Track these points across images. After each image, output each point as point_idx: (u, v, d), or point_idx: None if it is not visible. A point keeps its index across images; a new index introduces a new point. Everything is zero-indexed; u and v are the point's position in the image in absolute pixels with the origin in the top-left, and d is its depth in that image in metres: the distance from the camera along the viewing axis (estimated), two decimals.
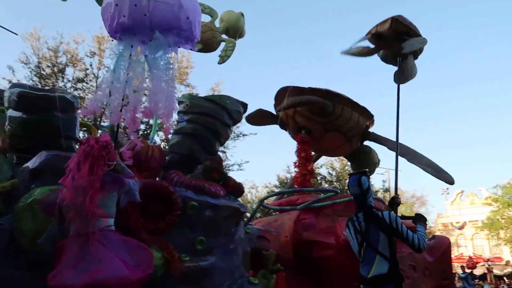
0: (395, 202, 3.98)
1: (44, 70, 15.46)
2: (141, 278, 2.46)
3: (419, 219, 3.64)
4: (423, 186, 60.40)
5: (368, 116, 7.43)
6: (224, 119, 4.08)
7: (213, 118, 4.01)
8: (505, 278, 28.31)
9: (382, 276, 3.21)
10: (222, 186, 3.89)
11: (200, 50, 5.82)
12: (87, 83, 16.65)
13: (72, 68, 16.66)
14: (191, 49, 3.62)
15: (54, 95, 3.43)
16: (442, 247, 6.17)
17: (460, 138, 59.62)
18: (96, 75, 16.62)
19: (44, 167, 3.07)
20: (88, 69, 16.49)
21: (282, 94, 7.15)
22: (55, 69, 15.55)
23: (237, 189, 4.06)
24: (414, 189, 44.03)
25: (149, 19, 3.21)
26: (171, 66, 3.42)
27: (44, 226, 2.69)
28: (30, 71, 15.22)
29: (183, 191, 3.44)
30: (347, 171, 27.12)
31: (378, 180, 27.35)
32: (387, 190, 26.28)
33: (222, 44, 6.49)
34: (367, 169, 3.79)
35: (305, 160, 6.84)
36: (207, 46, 6.17)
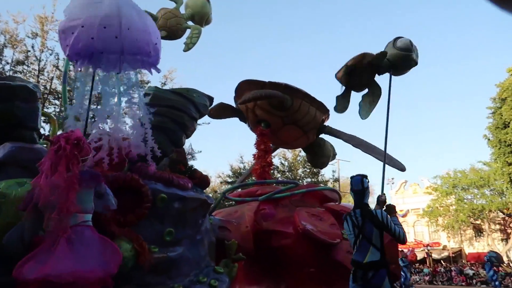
0: (380, 200, 4.64)
1: None
2: (100, 278, 2.48)
3: (390, 210, 4.28)
4: (370, 176, 63.28)
5: (324, 111, 7.73)
6: (191, 113, 4.13)
7: (181, 111, 4.05)
8: (442, 262, 30.72)
9: (376, 262, 3.87)
10: (189, 179, 3.96)
11: (164, 38, 5.73)
12: (28, 66, 15.65)
13: (11, 49, 15.58)
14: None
15: (16, 84, 3.30)
16: None
17: (404, 130, 63.10)
18: (38, 57, 15.67)
19: (8, 159, 2.98)
20: (29, 51, 15.50)
21: (243, 87, 7.26)
22: None
23: (203, 181, 4.14)
24: None
25: (121, 42, 3.16)
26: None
27: (10, 220, 2.64)
28: None
29: (153, 183, 3.47)
30: (299, 161, 27.95)
31: (328, 171, 28.38)
32: (336, 180, 27.37)
33: (188, 32, 6.38)
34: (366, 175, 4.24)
35: (264, 152, 7.02)
36: (171, 33, 6.06)
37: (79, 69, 3.43)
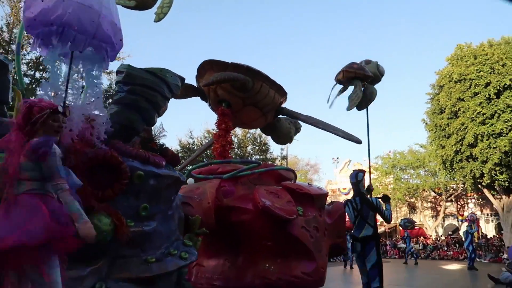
0: (370, 189, 6.50)
1: None
2: (12, 246, 2.42)
3: (386, 199, 6.25)
4: (316, 155, 65.70)
5: (282, 93, 8.06)
6: (164, 92, 4.23)
7: (154, 91, 4.14)
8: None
9: (368, 236, 5.74)
10: (161, 157, 4.11)
11: (134, 8, 5.60)
12: None
13: None
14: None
15: None
16: (338, 211, 7.19)
17: (350, 112, 65.65)
18: (9, 26, 14.51)
19: None
20: None
21: (205, 67, 7.36)
22: None
23: (174, 159, 4.31)
24: (309, 157, 47.92)
25: (95, 27, 3.22)
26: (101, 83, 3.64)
27: None
28: None
29: (130, 161, 3.60)
30: (248, 139, 28.45)
31: (277, 148, 29.33)
32: (284, 157, 28.28)
33: (159, 2, 6.06)
34: (364, 170, 6.31)
35: (225, 132, 7.24)
36: (141, 3, 5.77)
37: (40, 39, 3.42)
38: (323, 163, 78.01)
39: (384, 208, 6.03)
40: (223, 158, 7.06)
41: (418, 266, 19.11)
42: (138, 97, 4.08)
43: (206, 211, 5.81)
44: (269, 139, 24.07)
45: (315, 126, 7.91)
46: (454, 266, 18.66)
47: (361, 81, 7.12)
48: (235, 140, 27.19)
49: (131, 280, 3.55)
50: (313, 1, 77.49)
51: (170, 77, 4.31)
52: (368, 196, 6.35)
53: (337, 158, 41.90)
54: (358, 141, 7.45)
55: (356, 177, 6.17)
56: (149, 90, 4.13)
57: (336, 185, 40.09)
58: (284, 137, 8.84)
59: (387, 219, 5.87)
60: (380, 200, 6.33)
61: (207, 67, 7.31)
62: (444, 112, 23.29)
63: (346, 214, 6.57)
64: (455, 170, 23.40)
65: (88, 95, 3.65)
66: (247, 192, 6.52)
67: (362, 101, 7.10)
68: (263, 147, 25.59)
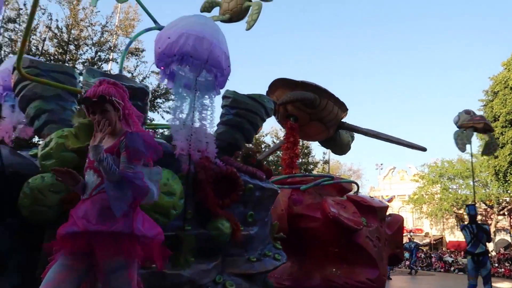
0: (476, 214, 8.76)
1: None
2: None
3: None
4: (359, 161, 64.89)
5: (344, 109, 8.63)
6: (262, 115, 4.92)
7: (255, 114, 4.83)
8: (423, 248, 32.20)
9: (482, 252, 7.75)
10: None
11: (229, 21, 6.15)
12: (19, 24, 15.72)
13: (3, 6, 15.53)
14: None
15: (137, 87, 4.03)
16: (398, 223, 7.68)
17: (396, 117, 64.87)
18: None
19: None
20: (21, 9, 15.55)
21: (276, 84, 8.05)
22: None
23: (268, 172, 4.98)
24: (351, 162, 47.59)
25: (207, 54, 3.88)
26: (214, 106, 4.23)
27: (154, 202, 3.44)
28: None
29: (242, 175, 4.30)
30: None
31: (319, 152, 29.34)
32: (326, 162, 28.41)
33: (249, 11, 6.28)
34: (475, 203, 7.59)
35: (292, 144, 7.89)
36: (234, 15, 6.21)
37: (161, 67, 4.15)
38: (366, 168, 76.92)
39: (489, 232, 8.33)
40: (291, 168, 7.69)
41: (463, 282, 18.77)
42: (242, 119, 4.78)
43: (280, 217, 6.47)
44: (310, 143, 24.40)
45: (377, 138, 8.43)
46: (505, 285, 18.10)
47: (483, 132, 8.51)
48: (277, 141, 27.76)
49: (238, 275, 4.24)
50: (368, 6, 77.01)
51: (267, 101, 4.99)
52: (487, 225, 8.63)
53: (381, 164, 41.16)
54: (423, 149, 7.94)
55: (475, 210, 8.39)
56: (251, 113, 4.83)
57: (379, 192, 39.31)
58: (344, 148, 9.40)
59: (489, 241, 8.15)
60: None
61: (278, 84, 7.99)
62: (498, 120, 21.79)
63: (463, 235, 8.33)
64: (509, 182, 22.10)
65: (201, 117, 4.31)
66: (313, 201, 7.14)
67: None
68: (305, 151, 25.99)
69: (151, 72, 18.85)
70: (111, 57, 19.34)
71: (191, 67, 3.84)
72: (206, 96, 4.20)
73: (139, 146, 2.28)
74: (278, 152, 21.13)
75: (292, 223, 6.74)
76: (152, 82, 18.49)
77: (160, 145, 3.78)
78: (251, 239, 4.46)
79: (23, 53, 4.39)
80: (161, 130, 6.93)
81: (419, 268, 24.00)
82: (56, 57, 17.78)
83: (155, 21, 6.30)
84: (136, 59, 18.49)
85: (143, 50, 18.45)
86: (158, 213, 3.50)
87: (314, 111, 7.98)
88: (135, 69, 18.38)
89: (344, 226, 6.38)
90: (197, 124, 4.06)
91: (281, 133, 27.61)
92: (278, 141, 27.76)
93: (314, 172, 25.01)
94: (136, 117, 2.58)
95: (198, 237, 3.84)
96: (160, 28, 6.30)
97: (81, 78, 4.96)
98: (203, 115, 4.11)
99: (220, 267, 4.09)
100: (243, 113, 4.79)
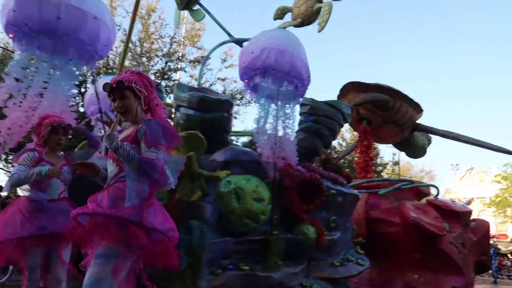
0: None
1: None
2: None
3: None
4: (432, 161, 61.24)
5: (419, 111, 8.34)
6: (340, 121, 4.98)
7: (333, 120, 4.90)
8: (508, 255, 29.35)
9: None
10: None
11: (300, 25, 6.28)
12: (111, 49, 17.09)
13: None
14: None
15: (224, 99, 4.29)
16: (483, 228, 7.25)
17: (474, 115, 60.83)
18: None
19: (233, 160, 3.96)
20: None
21: (348, 87, 8.01)
22: None
23: (348, 177, 5.01)
24: (423, 163, 45.10)
25: (289, 66, 4.02)
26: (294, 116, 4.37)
27: (247, 207, 3.65)
28: None
29: (324, 181, 4.39)
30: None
31: (388, 153, 27.97)
32: (396, 163, 27.23)
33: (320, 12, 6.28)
34: None
35: (366, 148, 7.80)
36: (305, 18, 6.29)
37: (245, 80, 4.36)
38: (440, 169, 72.47)
39: None
40: (366, 172, 7.60)
41: None
42: (321, 126, 4.88)
43: (358, 222, 6.41)
44: (377, 144, 23.64)
45: (456, 140, 8.05)
46: None
47: None
48: (343, 143, 27.24)
49: (323, 279, 4.32)
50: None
51: (344, 107, 5.03)
52: None
53: (457, 164, 38.47)
54: (508, 152, 7.44)
55: None
56: (329, 119, 4.90)
57: (455, 194, 36.58)
58: (418, 151, 9.08)
59: None
60: None
61: (349, 88, 7.95)
62: None
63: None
64: None
65: (284, 126, 4.49)
66: (391, 206, 6.97)
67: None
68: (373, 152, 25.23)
69: (217, 79, 19.55)
70: (179, 66, 20.33)
71: (274, 79, 4.02)
72: (288, 106, 4.36)
73: (157, 133, 2.20)
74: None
75: (370, 227, 6.65)
76: (217, 89, 19.13)
77: (245, 153, 4.01)
78: (334, 244, 4.53)
79: (121, 72, 4.86)
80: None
81: (505, 277, 22.16)
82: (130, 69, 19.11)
83: (229, 34, 6.61)
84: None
85: (209, 58, 19.19)
86: (249, 218, 3.71)
87: (387, 113, 7.82)
88: (202, 77, 19.18)
89: (426, 231, 6.17)
90: (280, 133, 4.23)
91: (347, 134, 27.08)
92: (344, 144, 27.33)
93: (384, 174, 24.19)
94: (162, 110, 2.48)
95: (285, 241, 4.00)
96: (234, 40, 6.62)
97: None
98: (285, 124, 4.27)
99: (306, 271, 4.20)
100: (322, 119, 4.88)
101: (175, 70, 20.11)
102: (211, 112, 4.23)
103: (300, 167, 4.38)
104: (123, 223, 2.08)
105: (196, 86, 5.14)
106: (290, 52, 4.02)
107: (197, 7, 6.53)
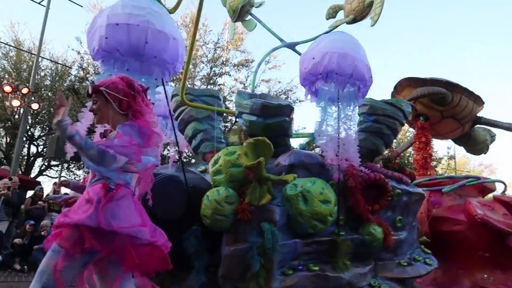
0: None
1: None
2: None
3: None
4: (492, 154, 57.76)
5: (480, 103, 8.00)
6: (401, 119, 4.92)
7: (394, 119, 4.86)
8: None
9: None
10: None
11: (353, 22, 6.22)
12: None
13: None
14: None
15: (285, 104, 4.41)
16: None
17: None
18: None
19: (297, 163, 4.07)
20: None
21: (403, 84, 7.85)
22: None
23: (411, 176, 4.95)
24: (482, 157, 42.57)
25: (352, 69, 4.04)
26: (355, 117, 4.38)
27: (314, 209, 3.75)
28: None
29: (389, 180, 4.38)
30: (408, 137, 27.22)
31: (442, 147, 26.71)
32: (452, 157, 26.05)
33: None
34: None
35: (425, 144, 7.61)
36: (357, 14, 6.17)
37: (306, 84, 4.43)
38: (500, 162, 68.12)
39: None
40: (425, 169, 7.42)
41: None
42: (381, 125, 4.85)
43: (421, 221, 6.29)
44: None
45: None
46: None
47: None
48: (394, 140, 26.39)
49: (392, 279, 4.32)
50: None
51: (405, 105, 4.97)
52: None
53: None
54: None
55: None
56: (390, 118, 4.87)
57: None
58: (479, 147, 8.70)
59: None
60: None
61: (404, 84, 7.79)
62: None
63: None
64: None
65: (346, 127, 4.53)
66: (454, 203, 6.78)
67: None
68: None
69: (261, 80, 19.73)
70: (224, 71, 20.76)
71: (336, 83, 4.07)
72: (349, 107, 4.40)
73: (129, 133, 2.19)
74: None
75: (432, 226, 6.51)
76: (262, 90, 19.32)
77: (310, 156, 4.09)
78: (400, 244, 4.50)
79: (185, 84, 5.13)
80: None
81: None
82: (177, 76, 19.86)
83: (281, 40, 6.72)
84: (246, 69, 19.56)
85: (252, 61, 19.44)
86: (317, 220, 3.80)
87: (446, 108, 7.57)
88: (246, 80, 19.43)
89: (495, 229, 5.94)
90: (342, 135, 4.28)
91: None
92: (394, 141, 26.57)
93: (438, 169, 23.27)
94: (148, 114, 2.44)
95: (352, 241, 4.05)
96: (286, 45, 6.71)
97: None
98: (347, 125, 4.32)
99: (373, 271, 4.22)
100: (382, 119, 4.86)
101: (220, 75, 20.57)
102: (273, 117, 4.35)
103: (363, 168, 4.40)
104: (78, 228, 2.04)
105: (255, 93, 5.29)
106: (351, 55, 4.05)
107: (248, 17, 6.71)
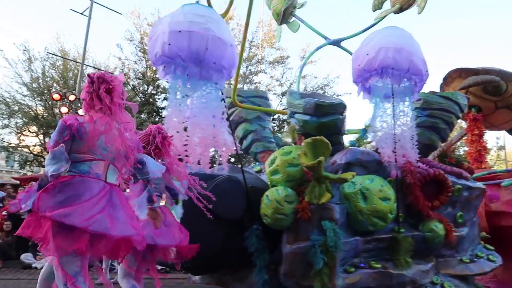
0: None
1: (146, 45, 16.90)
2: None
3: None
4: None
5: None
6: (457, 113, 4.80)
7: (450, 113, 4.75)
8: None
9: None
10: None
11: (399, 11, 6.06)
12: None
13: None
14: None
15: (338, 103, 4.42)
16: None
17: None
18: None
19: (354, 161, 4.08)
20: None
21: (453, 75, 7.61)
22: None
23: (470, 171, 4.82)
24: None
25: (408, 64, 3.97)
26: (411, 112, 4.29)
27: (374, 207, 3.75)
28: (135, 47, 16.75)
29: (449, 176, 4.30)
30: (457, 129, 26.12)
31: (491, 138, 25.36)
32: (501, 148, 24.80)
33: None
34: None
35: (478, 137, 7.34)
36: (404, 3, 6.03)
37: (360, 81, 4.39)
38: None
39: None
40: (480, 163, 7.17)
41: None
42: (437, 120, 4.75)
43: (478, 215, 6.10)
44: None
45: None
46: None
47: None
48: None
49: (454, 276, 4.24)
50: None
51: (460, 98, 4.85)
52: None
53: None
54: None
55: None
56: (445, 112, 4.76)
57: None
58: None
59: None
60: None
61: (454, 75, 7.55)
62: None
63: None
64: None
65: (401, 123, 4.46)
66: None
67: None
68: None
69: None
70: (259, 69, 20.79)
71: (392, 78, 4.03)
72: (404, 103, 4.34)
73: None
74: None
75: (490, 221, 6.27)
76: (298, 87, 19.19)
77: (366, 153, 4.08)
78: (461, 240, 4.41)
79: (236, 86, 5.25)
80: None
81: None
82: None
83: (325, 38, 6.70)
84: (282, 66, 19.48)
85: (287, 57, 19.34)
86: (377, 217, 3.80)
87: (500, 98, 7.27)
88: (282, 76, 19.36)
89: None
90: (398, 131, 4.23)
91: None
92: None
93: (487, 160, 22.18)
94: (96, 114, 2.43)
95: (413, 238, 4.01)
96: (331, 42, 6.68)
97: None
98: (403, 121, 4.27)
99: (435, 268, 4.16)
100: (437, 113, 4.76)
101: (256, 73, 20.64)
102: (327, 116, 4.37)
103: (421, 164, 4.33)
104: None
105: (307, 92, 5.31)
106: (407, 49, 4.00)
107: (292, 19, 6.76)
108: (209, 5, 4.50)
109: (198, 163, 3.56)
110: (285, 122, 17.06)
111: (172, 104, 3.43)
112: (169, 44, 3.28)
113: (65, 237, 2.09)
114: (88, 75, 2.44)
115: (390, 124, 4.29)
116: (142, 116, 16.15)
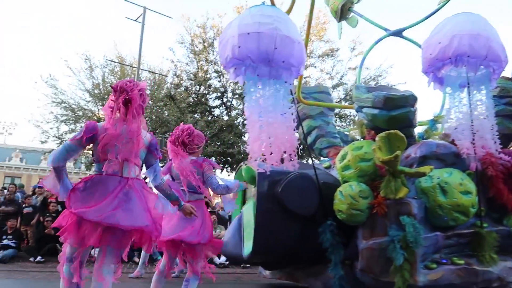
0: None
1: (197, 47, 16.98)
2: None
3: None
4: None
5: None
6: None
7: None
8: None
9: None
10: None
11: None
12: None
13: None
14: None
15: (408, 95, 4.30)
16: None
17: None
18: None
19: (430, 154, 3.96)
20: None
21: None
22: (206, 44, 16.83)
23: None
24: None
25: (486, 50, 3.76)
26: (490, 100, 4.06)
27: (455, 201, 3.63)
28: (186, 49, 16.97)
29: None
30: None
31: None
32: None
33: None
34: None
35: None
36: None
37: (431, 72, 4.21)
38: None
39: None
40: None
41: None
42: None
43: None
44: None
45: None
46: None
47: None
48: None
49: None
50: None
51: None
52: None
53: None
54: None
55: None
56: None
57: None
58: None
59: None
60: None
61: None
62: None
63: None
64: None
65: (479, 113, 4.23)
66: None
67: None
68: None
69: (348, 68, 19.12)
70: (309, 62, 20.54)
71: (468, 66, 3.85)
72: (480, 91, 4.14)
73: None
74: None
75: None
76: (350, 79, 18.75)
77: (442, 146, 3.94)
78: None
79: (301, 83, 5.26)
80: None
81: None
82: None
83: (385, 29, 6.53)
84: (331, 59, 19.12)
85: (337, 50, 18.93)
86: (458, 211, 3.67)
87: None
88: (332, 69, 18.99)
89: None
90: (476, 121, 4.04)
91: None
92: None
93: None
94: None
95: (497, 233, 3.82)
96: (391, 34, 6.50)
97: None
98: (480, 110, 4.07)
99: None
100: None
101: (306, 67, 20.42)
102: (397, 108, 4.27)
103: (503, 155, 4.11)
104: None
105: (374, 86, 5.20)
106: (484, 35, 3.80)
107: (351, 14, 6.67)
108: (273, 4, 4.55)
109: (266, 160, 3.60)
110: (336, 116, 16.72)
111: (249, 105, 3.50)
112: (239, 47, 3.35)
113: (83, 229, 2.47)
114: (111, 86, 2.78)
115: (466, 114, 4.11)
116: (196, 115, 16.58)
